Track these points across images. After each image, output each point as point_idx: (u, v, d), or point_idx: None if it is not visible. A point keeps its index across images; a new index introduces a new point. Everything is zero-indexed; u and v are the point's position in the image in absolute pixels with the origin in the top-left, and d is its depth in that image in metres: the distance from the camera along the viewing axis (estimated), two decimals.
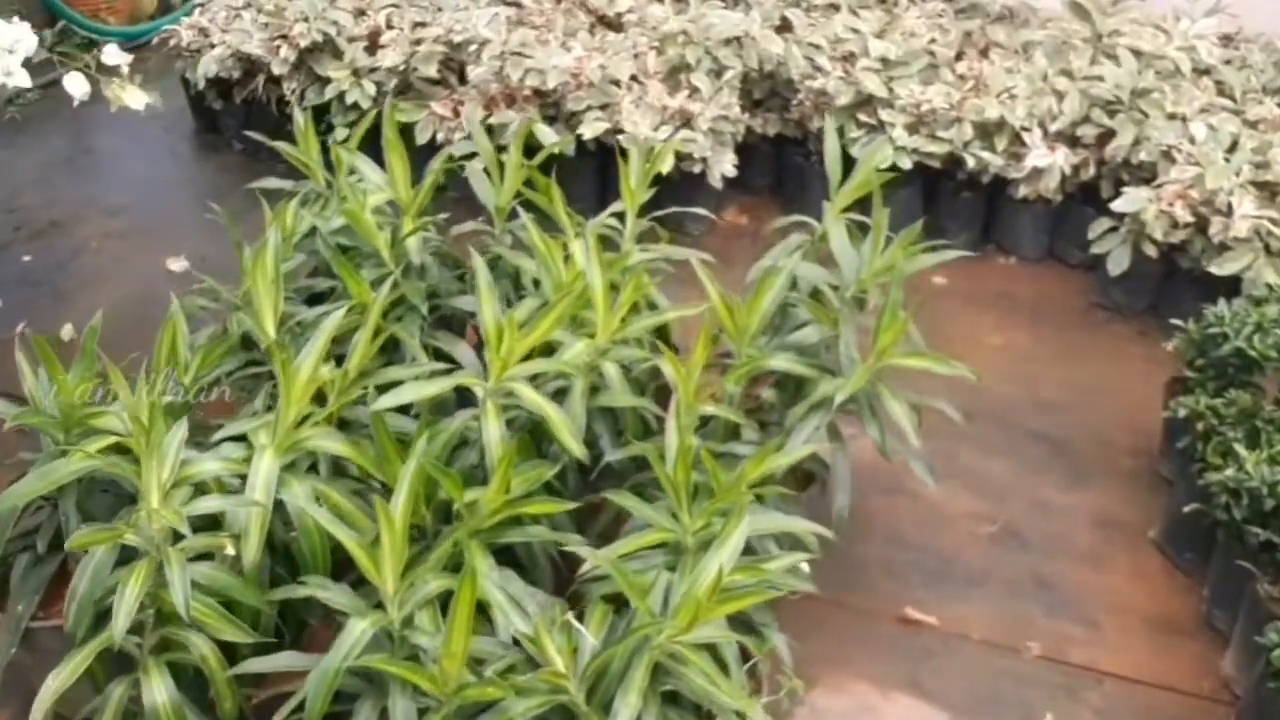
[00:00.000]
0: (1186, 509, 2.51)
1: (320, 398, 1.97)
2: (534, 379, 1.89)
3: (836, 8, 4.30)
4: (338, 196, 2.46)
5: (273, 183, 2.70)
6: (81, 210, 3.93)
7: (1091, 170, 3.72)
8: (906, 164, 3.70)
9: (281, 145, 2.60)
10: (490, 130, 3.73)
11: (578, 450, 1.81)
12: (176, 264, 3.52)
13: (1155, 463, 3.01)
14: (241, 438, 1.80)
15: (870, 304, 2.39)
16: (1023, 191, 3.71)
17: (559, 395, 2.06)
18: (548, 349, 2.07)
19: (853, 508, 2.32)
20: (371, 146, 3.91)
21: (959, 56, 4.20)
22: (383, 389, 2.01)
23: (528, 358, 1.95)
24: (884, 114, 3.73)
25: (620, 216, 2.60)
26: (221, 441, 1.84)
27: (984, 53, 4.25)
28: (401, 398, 1.72)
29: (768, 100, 4.08)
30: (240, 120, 4.16)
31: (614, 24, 4.26)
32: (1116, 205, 3.45)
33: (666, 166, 3.54)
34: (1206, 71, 3.89)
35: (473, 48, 3.71)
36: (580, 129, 3.65)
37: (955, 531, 2.76)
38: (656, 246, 2.57)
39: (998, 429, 3.11)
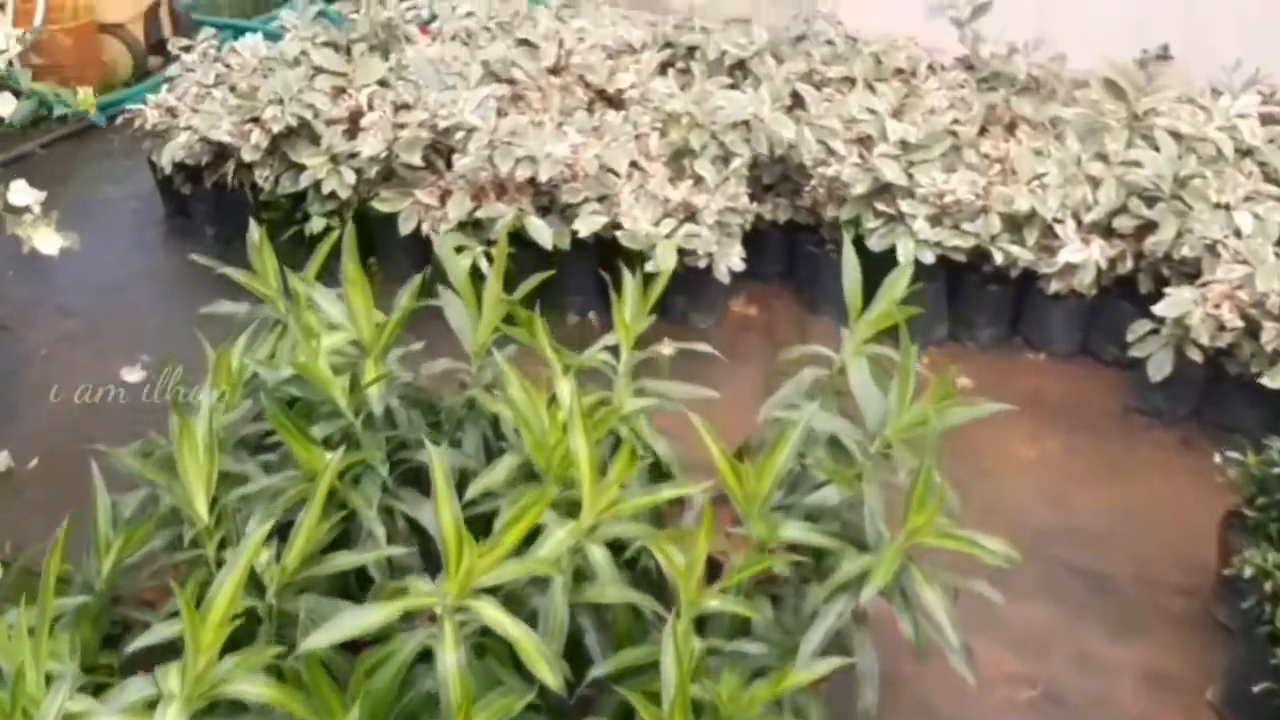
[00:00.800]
0: (1256, 689, 2.21)
1: (257, 581, 1.69)
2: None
3: (852, 81, 4.04)
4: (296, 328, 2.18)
5: (225, 307, 2.42)
6: (33, 310, 3.64)
7: (1129, 264, 3.44)
8: (929, 258, 3.42)
9: (233, 272, 2.32)
10: (478, 224, 3.47)
11: (553, 681, 1.51)
12: (133, 373, 3.24)
13: (1209, 604, 2.71)
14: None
15: (897, 457, 2.10)
16: (1055, 287, 3.43)
17: (536, 583, 1.77)
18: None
19: (880, 675, 2.02)
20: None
21: (983, 131, 3.94)
22: (332, 580, 1.72)
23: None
24: (904, 204, 3.45)
25: (615, 350, 2.31)
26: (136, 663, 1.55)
27: (1010, 128, 3.99)
28: (338, 632, 1.44)
29: (779, 185, 3.81)
30: (211, 206, 3.89)
31: (615, 101, 4.00)
32: (1159, 309, 3.16)
33: (669, 264, 3.27)
34: (1249, 153, 3.61)
35: (459, 135, 3.44)
36: (576, 224, 3.38)
37: (992, 698, 2.46)
38: (655, 387, 2.27)
39: (1035, 565, 2.80)
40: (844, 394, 2.36)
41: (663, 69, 4.24)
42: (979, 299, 3.58)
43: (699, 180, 3.50)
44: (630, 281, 2.33)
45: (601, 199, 3.43)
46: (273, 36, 4.47)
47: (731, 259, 3.48)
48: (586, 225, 3.35)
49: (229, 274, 2.31)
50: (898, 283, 2.35)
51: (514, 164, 3.35)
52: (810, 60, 4.18)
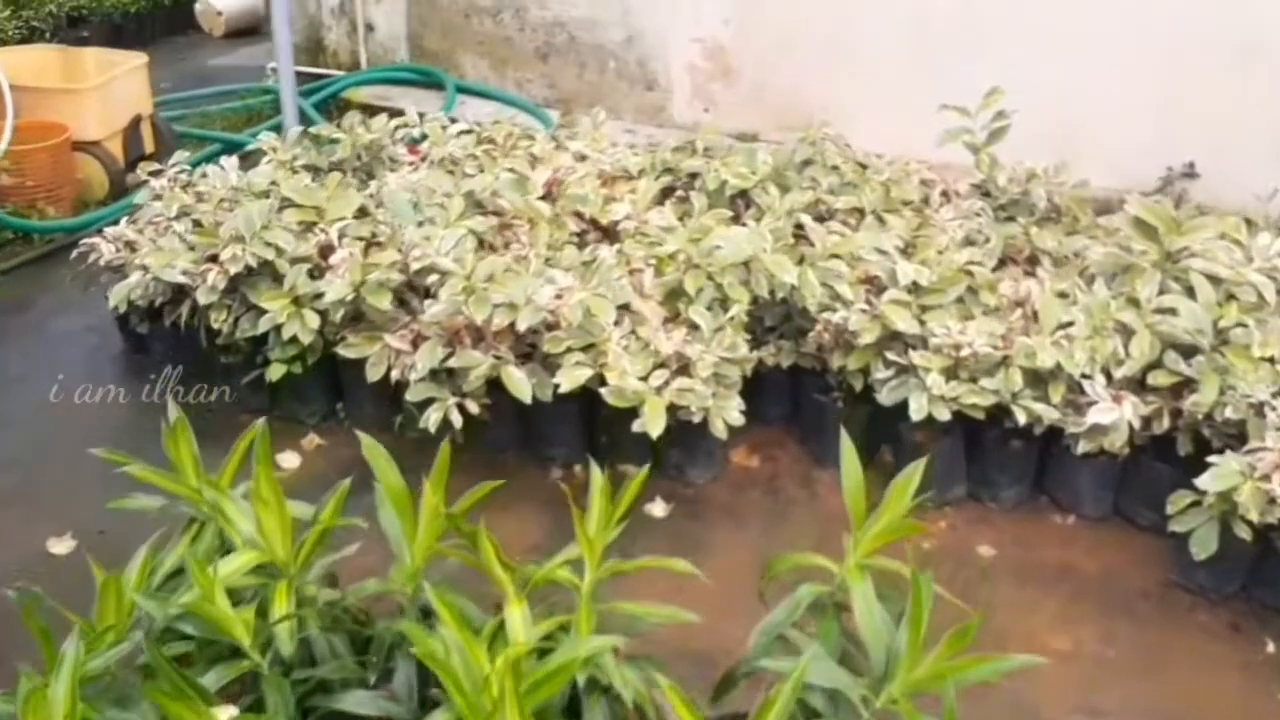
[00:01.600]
0: None
1: None
2: None
3: (861, 212, 3.77)
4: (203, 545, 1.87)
5: (140, 500, 2.12)
6: None
7: (1165, 422, 3.11)
8: (944, 415, 3.11)
9: (150, 474, 2.03)
10: (450, 374, 3.19)
11: None
12: (61, 544, 2.94)
13: None
14: None
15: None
16: (1083, 448, 3.10)
17: None
18: None
19: None
20: (320, 374, 3.45)
21: (1002, 264, 3.65)
22: None
23: None
24: (916, 356, 3.15)
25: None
26: None
27: (1030, 261, 3.71)
28: None
29: (782, 326, 3.52)
30: (169, 345, 3.62)
31: (609, 231, 3.74)
32: (1202, 481, 2.83)
33: (657, 430, 2.97)
34: None
35: (432, 278, 3.16)
36: (558, 377, 3.08)
37: None
38: (627, 610, 1.95)
39: None
40: (847, 609, 2.02)
41: (662, 196, 3.98)
42: (1000, 456, 3.26)
43: (693, 328, 3.21)
44: (598, 482, 2.02)
45: (587, 348, 3.14)
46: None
47: (729, 413, 3.17)
48: (569, 379, 3.06)
49: (148, 479, 2.01)
50: (906, 487, 2.02)
51: (491, 311, 3.06)
52: (816, 187, 3.92)
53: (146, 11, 7.06)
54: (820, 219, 3.78)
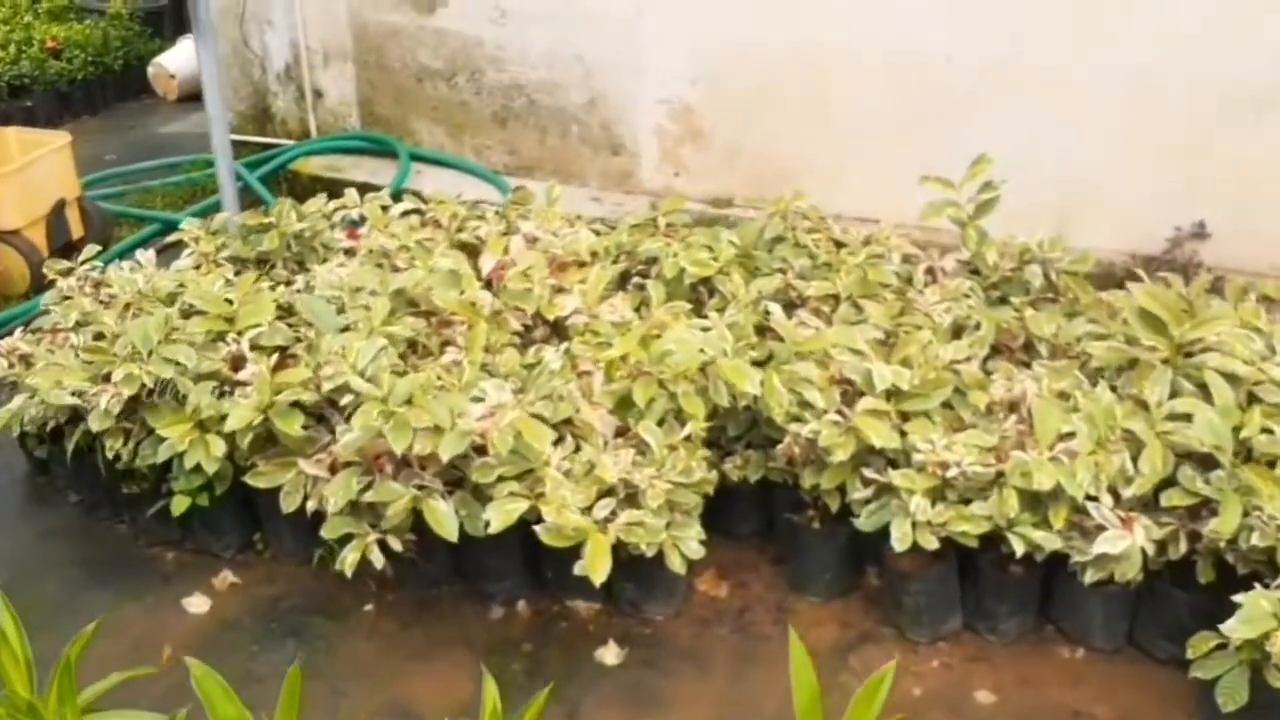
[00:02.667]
0: None
1: None
2: None
3: (835, 299, 3.41)
4: None
5: None
6: None
7: (1183, 546, 2.73)
8: (932, 544, 2.73)
9: None
10: (371, 507, 2.83)
11: None
12: None
13: None
14: None
15: None
16: (1091, 577, 2.73)
17: None
18: None
19: None
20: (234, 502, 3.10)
21: (995, 351, 3.29)
22: None
23: None
24: (897, 476, 2.78)
25: None
26: None
27: (1026, 349, 3.34)
28: None
29: (748, 434, 3.15)
30: (70, 471, 3.26)
31: (558, 326, 3.38)
32: (1227, 627, 2.45)
33: (600, 576, 2.61)
34: None
35: (347, 399, 2.81)
36: (488, 512, 2.72)
37: None
38: None
39: None
40: None
41: (621, 281, 3.63)
42: (999, 583, 2.88)
43: (643, 448, 2.84)
44: (490, 694, 1.65)
45: (523, 475, 2.78)
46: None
47: (687, 544, 2.80)
48: (500, 516, 2.69)
49: None
50: (873, 695, 1.65)
51: (411, 438, 2.70)
52: (787, 268, 3.57)
53: (95, 78, 6.71)
54: (791, 306, 3.43)
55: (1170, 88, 4.14)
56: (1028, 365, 3.26)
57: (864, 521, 2.82)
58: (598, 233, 3.92)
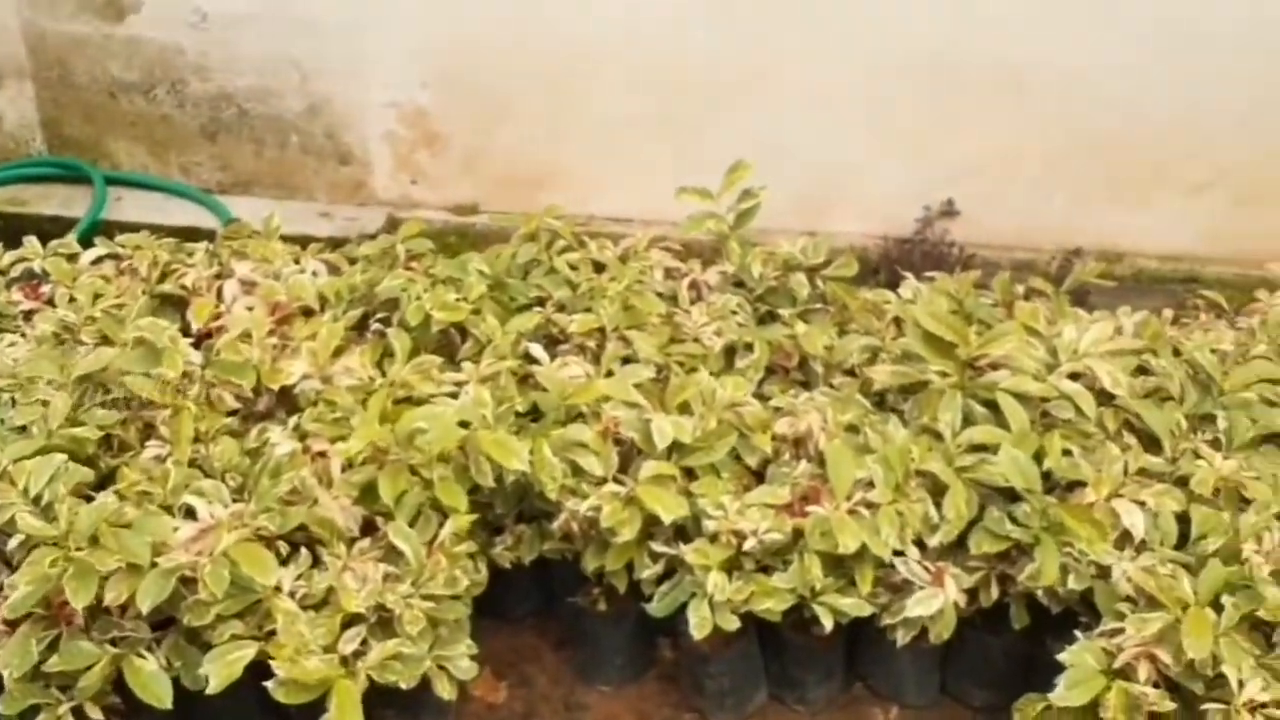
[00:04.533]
0: None
1: None
2: None
3: (602, 332, 2.88)
4: None
5: None
6: None
7: (994, 592, 2.39)
8: (733, 624, 2.28)
9: None
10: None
11: None
12: None
13: None
14: None
15: None
16: (903, 639, 2.34)
17: None
18: None
19: None
20: None
21: (769, 373, 2.87)
22: None
23: None
24: (690, 552, 2.30)
25: None
26: None
27: (801, 369, 2.93)
28: None
29: (520, 505, 2.60)
30: None
31: (286, 396, 2.72)
32: (1056, 695, 2.12)
33: None
34: (1112, 398, 2.63)
35: (16, 539, 2.08)
36: (206, 664, 2.08)
37: None
38: None
39: None
40: None
41: (360, 326, 2.99)
42: (804, 650, 2.48)
43: (395, 555, 2.24)
44: None
45: (248, 610, 2.13)
46: None
47: (457, 663, 2.24)
48: (221, 669, 2.05)
49: None
50: None
51: (99, 586, 2.01)
52: (546, 297, 3.03)
53: None
54: (554, 341, 2.89)
55: (913, 70, 3.81)
56: (805, 384, 2.87)
57: (657, 606, 2.35)
58: (329, 264, 3.25)
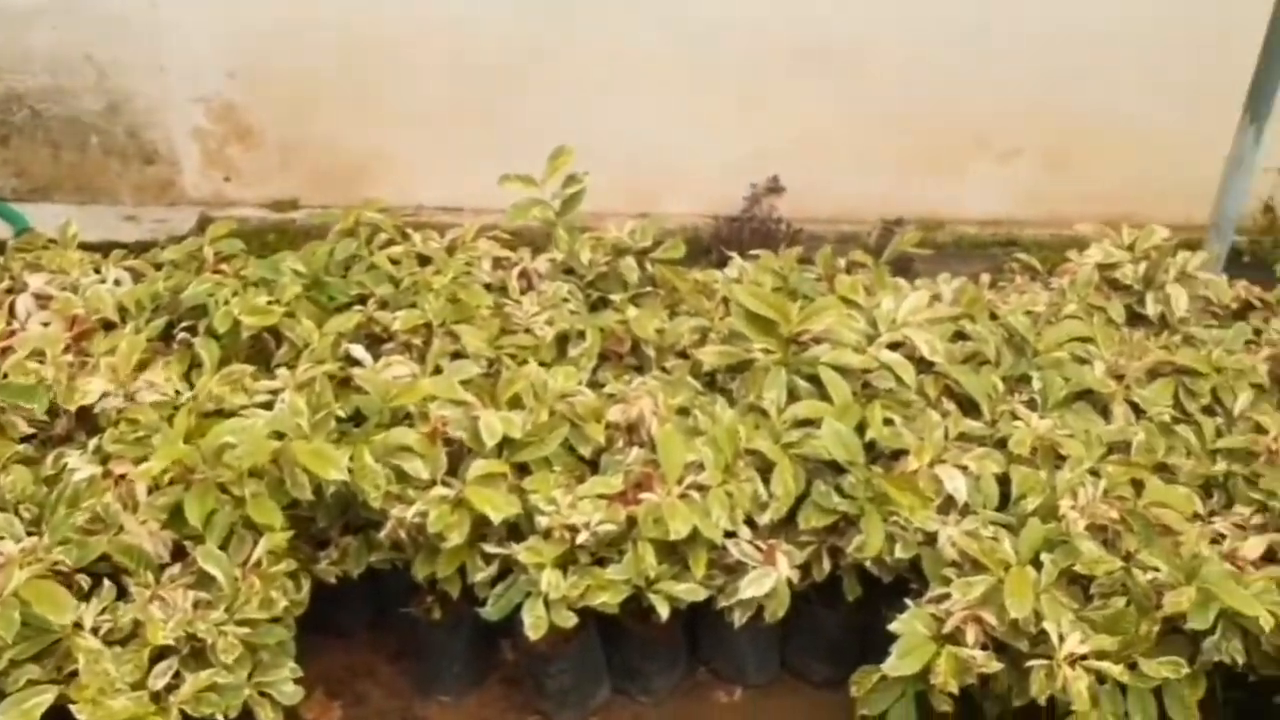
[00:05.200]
0: None
1: None
2: None
3: (428, 328, 2.75)
4: None
5: None
6: None
7: (826, 566, 2.38)
8: (570, 621, 2.21)
9: None
10: None
11: None
12: None
13: None
14: None
15: None
16: (740, 619, 2.31)
17: None
18: None
19: None
20: None
21: (603, 359, 2.82)
22: None
23: None
24: (523, 551, 2.22)
25: None
26: None
27: (634, 353, 2.88)
28: None
29: (345, 516, 2.46)
30: None
31: (85, 416, 2.51)
32: (889, 665, 2.13)
33: None
34: (931, 365, 2.65)
35: None
36: (2, 715, 1.88)
37: None
38: None
39: None
40: None
41: (166, 336, 2.79)
42: (645, 640, 2.42)
43: (209, 579, 2.09)
44: None
45: (45, 651, 1.95)
46: None
47: (280, 688, 2.10)
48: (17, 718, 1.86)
49: None
50: None
51: None
52: (368, 295, 2.88)
53: None
54: (377, 341, 2.76)
55: (734, 51, 3.80)
56: (639, 369, 2.82)
57: (491, 609, 2.26)
58: (134, 271, 3.02)
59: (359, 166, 3.83)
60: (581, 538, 2.21)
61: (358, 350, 2.62)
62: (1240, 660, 2.10)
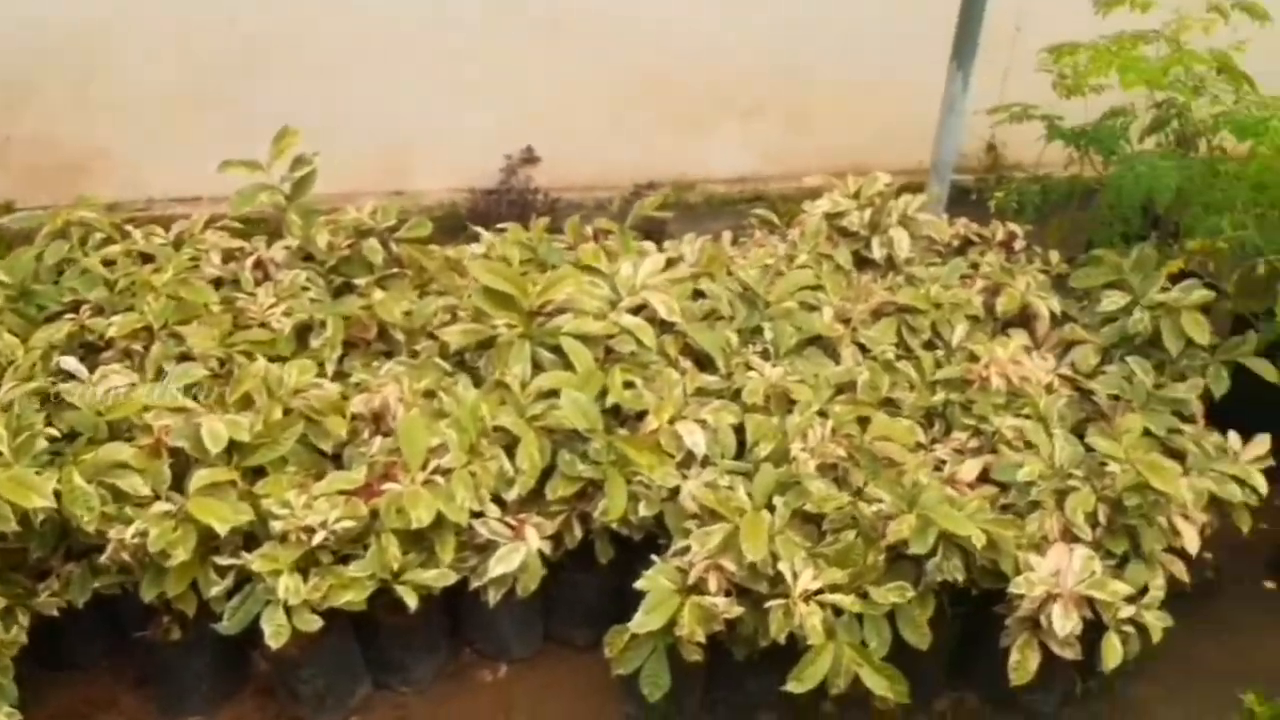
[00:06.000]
0: None
1: None
2: None
3: (150, 331, 2.54)
4: None
5: None
6: None
7: (578, 533, 2.35)
8: (314, 625, 2.09)
9: None
10: None
11: None
12: None
13: None
14: None
15: None
16: (495, 597, 2.25)
17: None
18: None
19: None
20: None
21: (351, 348, 2.67)
22: None
23: None
24: (257, 560, 2.08)
25: None
26: None
27: (383, 339, 2.75)
28: None
29: (62, 545, 2.24)
30: None
31: None
32: (636, 623, 2.11)
33: None
34: (672, 326, 2.65)
35: None
36: None
37: None
38: None
39: None
40: None
41: None
42: (401, 631, 2.32)
43: None
44: None
45: None
46: None
47: None
48: None
49: None
50: None
51: None
52: (81, 301, 2.64)
53: None
54: (95, 350, 2.53)
55: (479, 20, 3.67)
56: (389, 354, 2.70)
57: (228, 624, 2.11)
58: None
59: (77, 161, 3.50)
60: (319, 538, 2.09)
61: (70, 363, 2.40)
62: (961, 577, 2.19)
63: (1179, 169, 2.61)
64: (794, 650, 2.12)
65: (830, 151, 4.10)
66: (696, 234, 3.13)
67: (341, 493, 2.18)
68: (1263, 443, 2.44)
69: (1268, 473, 2.44)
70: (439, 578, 2.17)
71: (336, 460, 2.37)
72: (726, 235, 3.22)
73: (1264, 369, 2.58)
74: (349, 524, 2.12)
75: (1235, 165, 2.63)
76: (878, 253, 3.03)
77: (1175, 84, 2.79)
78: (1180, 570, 2.31)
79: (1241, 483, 2.37)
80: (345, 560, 2.16)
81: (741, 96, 4.16)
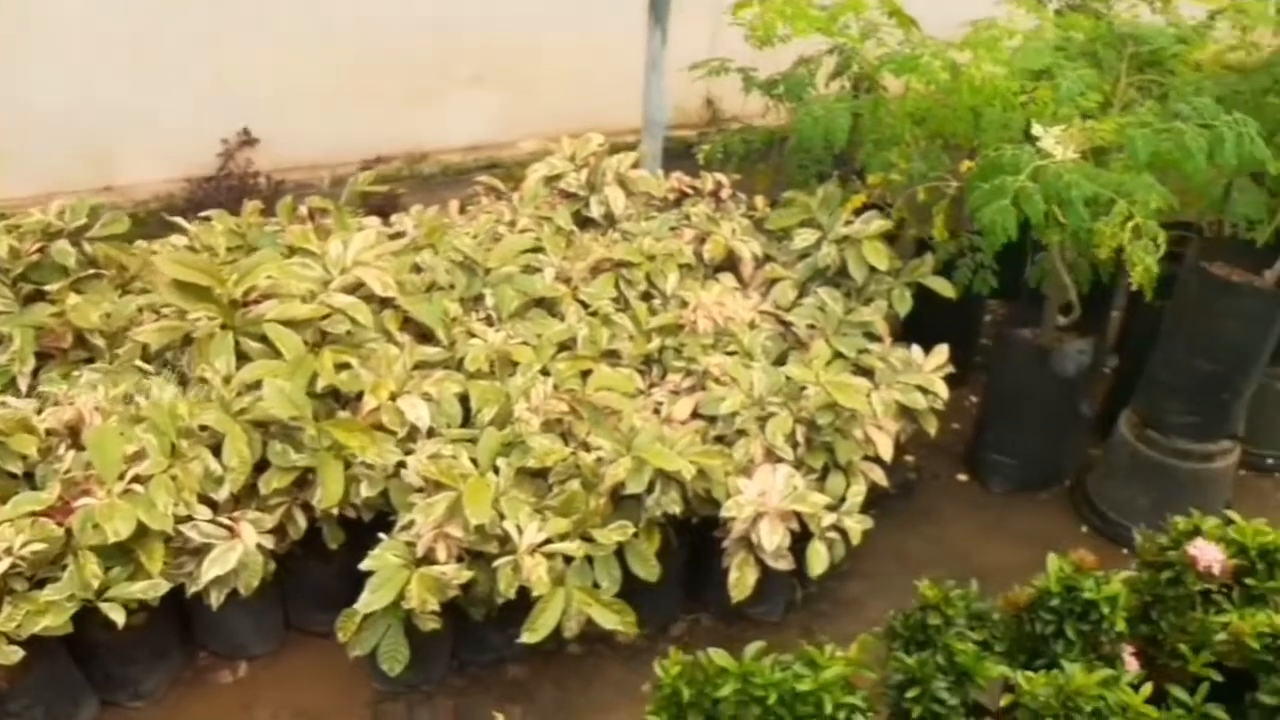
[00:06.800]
0: None
1: None
2: None
3: None
4: None
5: None
6: None
7: (302, 522, 2.24)
8: (15, 656, 1.91)
9: None
10: None
11: None
12: None
13: None
14: None
15: None
16: (219, 599, 2.13)
17: None
18: None
19: None
20: None
21: (47, 359, 2.46)
22: None
23: None
24: None
25: None
26: None
27: (83, 345, 2.54)
28: None
29: None
30: None
31: None
32: (362, 603, 2.04)
33: None
34: (390, 302, 2.56)
35: None
36: None
37: None
38: None
39: None
40: None
41: None
42: (120, 645, 2.15)
43: None
44: None
45: None
46: None
47: None
48: None
49: None
50: None
51: None
52: None
53: None
54: None
55: (152, 11, 3.39)
56: (92, 361, 2.48)
57: None
58: None
59: None
60: (5, 565, 1.90)
61: None
62: (679, 509, 2.23)
63: (850, 110, 2.72)
64: (529, 602, 2.11)
65: (559, 115, 4.06)
66: (428, 206, 3.03)
67: (31, 514, 1.99)
68: (942, 352, 2.60)
69: (955, 376, 2.61)
70: (149, 589, 2.02)
71: (30, 480, 2.16)
72: (454, 204, 3.15)
73: (941, 286, 2.74)
74: (39, 547, 1.93)
75: (897, 102, 2.76)
76: (596, 211, 3.03)
77: (845, 31, 2.90)
78: (879, 476, 2.44)
79: (925, 390, 2.52)
80: (43, 584, 1.98)
81: (466, 65, 4.06)
